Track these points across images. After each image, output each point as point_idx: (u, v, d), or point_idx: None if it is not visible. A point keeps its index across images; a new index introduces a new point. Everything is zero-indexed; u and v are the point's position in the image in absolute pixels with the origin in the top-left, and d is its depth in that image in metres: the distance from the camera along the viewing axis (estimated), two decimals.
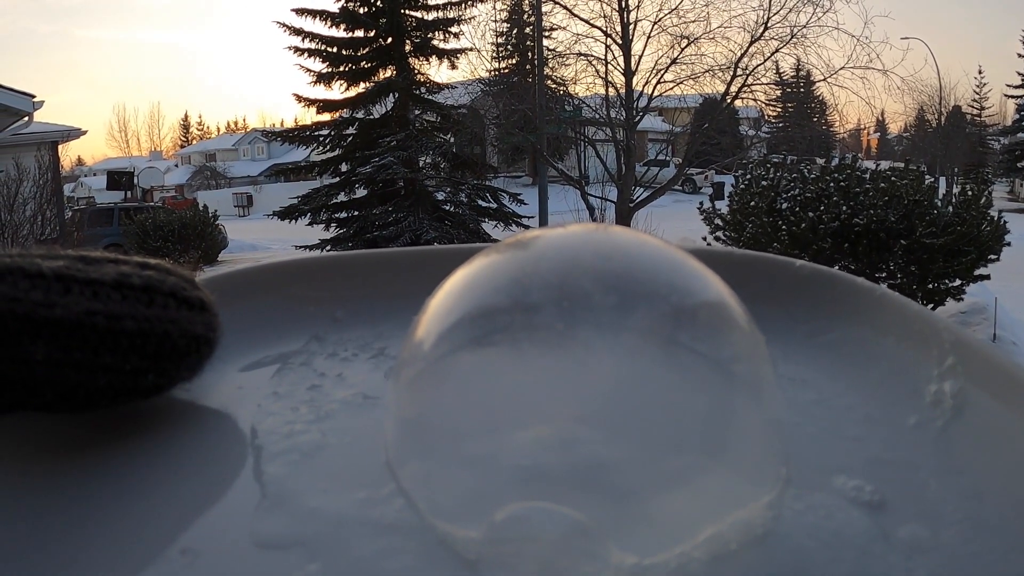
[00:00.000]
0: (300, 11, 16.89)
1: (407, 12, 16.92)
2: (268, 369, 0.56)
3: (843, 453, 0.44)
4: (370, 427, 0.45)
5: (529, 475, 0.36)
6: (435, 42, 17.14)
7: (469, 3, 16.99)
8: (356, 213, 16.45)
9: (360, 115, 17.16)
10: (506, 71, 21.62)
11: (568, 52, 15.07)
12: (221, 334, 0.51)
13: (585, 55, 14.66)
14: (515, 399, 0.39)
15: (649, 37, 14.23)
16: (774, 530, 0.37)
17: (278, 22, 16.88)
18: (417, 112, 17.10)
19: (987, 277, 7.32)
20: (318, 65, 17.30)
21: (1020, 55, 41.10)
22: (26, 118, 13.68)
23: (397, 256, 0.68)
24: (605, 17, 14.24)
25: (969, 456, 0.43)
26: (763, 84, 14.55)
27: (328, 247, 15.26)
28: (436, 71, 21.11)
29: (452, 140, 17.50)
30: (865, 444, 0.45)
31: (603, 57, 14.39)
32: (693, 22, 14.41)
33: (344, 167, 17.11)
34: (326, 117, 17.57)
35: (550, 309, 0.38)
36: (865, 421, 0.48)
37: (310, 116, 18.21)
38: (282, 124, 68.54)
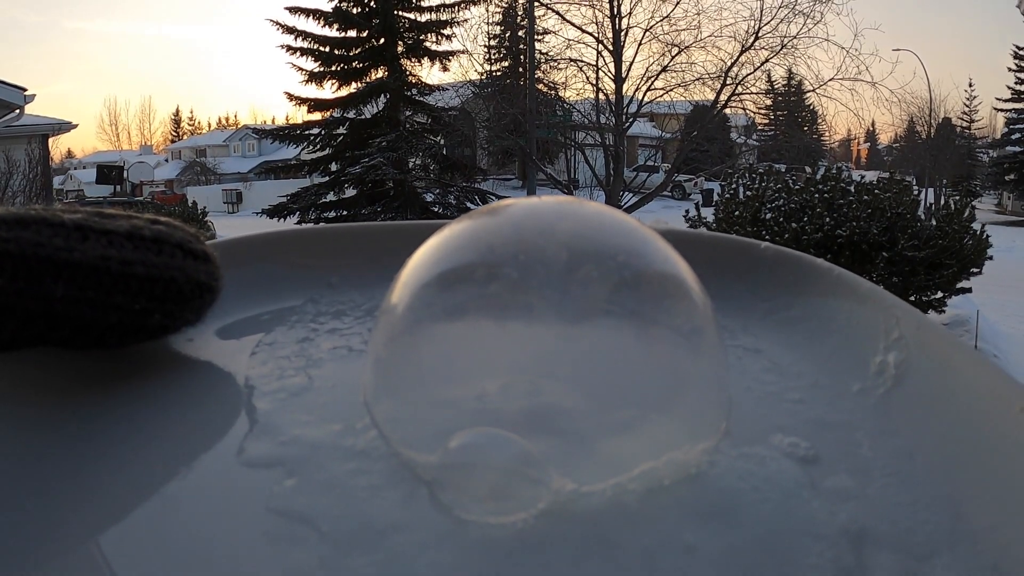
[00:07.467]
0: (293, 10, 16.84)
1: (400, 13, 16.91)
2: (265, 323, 0.61)
3: (785, 414, 0.47)
4: (353, 374, 0.50)
5: (486, 415, 0.40)
6: (427, 44, 17.12)
7: (462, 6, 17.00)
8: (345, 212, 16.41)
9: (351, 115, 17.12)
10: (498, 73, 21.60)
11: (560, 57, 15.06)
12: (223, 285, 0.56)
13: (576, 60, 14.64)
14: (475, 348, 0.43)
15: (640, 44, 14.24)
16: (707, 472, 0.40)
17: (271, 20, 16.86)
18: (408, 113, 17.07)
19: (968, 291, 7.34)
20: (310, 64, 17.28)
21: (1010, 69, 41.10)
22: (17, 111, 13.55)
23: (390, 229, 0.72)
24: (597, 23, 14.25)
25: (905, 420, 0.45)
26: (753, 93, 14.60)
27: None
28: (428, 73, 21.08)
29: (442, 142, 17.49)
30: (808, 406, 0.47)
31: (594, 63, 14.39)
32: (684, 30, 14.56)
33: (334, 166, 17.06)
34: (317, 116, 17.55)
35: (510, 268, 0.41)
36: (811, 387, 0.50)
37: (301, 115, 18.21)
38: (273, 121, 68.44)
